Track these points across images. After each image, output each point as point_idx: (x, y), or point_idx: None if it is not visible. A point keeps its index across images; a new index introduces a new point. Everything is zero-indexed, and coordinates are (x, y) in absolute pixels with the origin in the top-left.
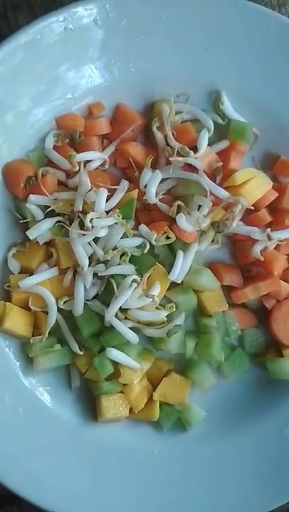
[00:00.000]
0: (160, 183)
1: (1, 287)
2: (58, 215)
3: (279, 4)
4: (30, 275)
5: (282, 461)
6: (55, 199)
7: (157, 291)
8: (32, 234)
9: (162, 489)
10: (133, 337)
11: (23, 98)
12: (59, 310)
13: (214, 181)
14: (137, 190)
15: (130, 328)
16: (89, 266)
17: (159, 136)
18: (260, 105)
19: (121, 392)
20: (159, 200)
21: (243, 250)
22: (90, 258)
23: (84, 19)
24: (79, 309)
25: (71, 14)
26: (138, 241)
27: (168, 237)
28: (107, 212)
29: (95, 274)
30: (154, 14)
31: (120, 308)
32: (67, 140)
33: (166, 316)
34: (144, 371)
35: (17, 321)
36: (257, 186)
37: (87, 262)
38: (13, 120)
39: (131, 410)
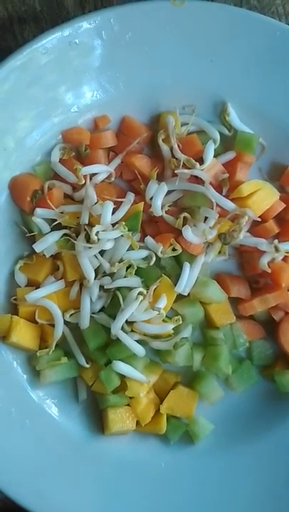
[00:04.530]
0: (166, 195)
1: (8, 300)
2: (65, 228)
3: (286, 13)
4: (36, 288)
5: None
6: (62, 212)
7: (164, 303)
8: (39, 247)
9: (170, 503)
10: (139, 350)
11: (28, 113)
12: (65, 323)
13: (220, 193)
14: (142, 202)
15: (137, 340)
16: (95, 278)
17: (164, 148)
18: (267, 116)
19: (128, 405)
20: (165, 212)
21: (250, 262)
22: (96, 271)
23: (89, 33)
24: (85, 322)
25: (76, 29)
26: (144, 253)
27: (174, 249)
28: (113, 224)
29: (101, 287)
30: (159, 27)
31: (126, 321)
32: (73, 153)
33: (173, 329)
34: (151, 384)
35: (24, 334)
36: (264, 197)
37: (93, 274)
38: (21, 135)
39: (138, 423)
